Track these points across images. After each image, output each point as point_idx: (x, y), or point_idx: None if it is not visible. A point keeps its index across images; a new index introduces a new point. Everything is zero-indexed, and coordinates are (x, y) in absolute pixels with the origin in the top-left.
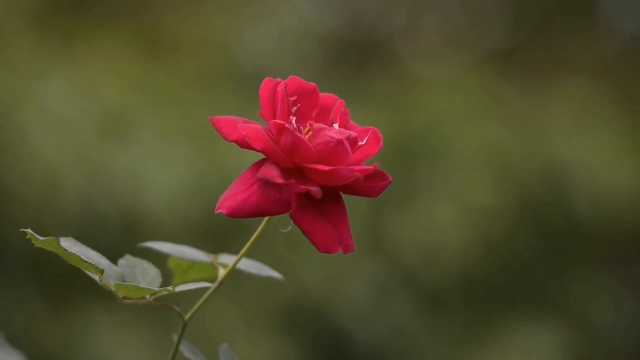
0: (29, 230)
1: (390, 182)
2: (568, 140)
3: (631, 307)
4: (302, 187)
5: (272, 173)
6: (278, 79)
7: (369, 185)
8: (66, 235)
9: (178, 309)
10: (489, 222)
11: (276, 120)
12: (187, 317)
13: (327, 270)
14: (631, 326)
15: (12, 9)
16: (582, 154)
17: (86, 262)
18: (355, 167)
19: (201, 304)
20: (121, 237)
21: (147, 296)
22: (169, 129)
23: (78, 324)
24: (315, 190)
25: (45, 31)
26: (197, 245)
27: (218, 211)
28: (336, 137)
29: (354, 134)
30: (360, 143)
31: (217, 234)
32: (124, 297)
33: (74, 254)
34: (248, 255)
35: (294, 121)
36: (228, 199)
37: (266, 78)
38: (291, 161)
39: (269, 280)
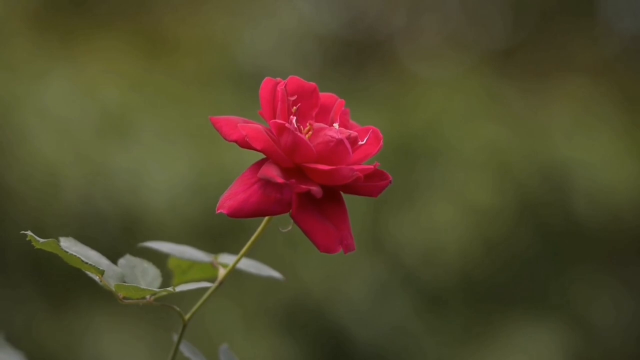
0: (29, 233)
1: (390, 182)
2: (568, 140)
3: (631, 307)
4: (303, 186)
5: (272, 173)
6: (278, 79)
7: (370, 184)
8: (66, 235)
9: (178, 309)
10: (489, 222)
11: (276, 120)
12: (187, 317)
13: (327, 270)
14: (631, 326)
15: (12, 9)
16: (582, 154)
17: (86, 263)
18: (356, 167)
19: (201, 303)
20: (121, 237)
21: (148, 296)
22: (169, 129)
23: (78, 324)
24: (315, 189)
25: (45, 31)
26: (197, 245)
27: (219, 211)
28: (336, 137)
29: (354, 133)
30: (360, 142)
31: (217, 234)
32: (124, 298)
33: (74, 255)
34: (248, 255)
35: (294, 121)
36: (228, 199)
37: (266, 78)
38: (291, 161)
39: (269, 280)
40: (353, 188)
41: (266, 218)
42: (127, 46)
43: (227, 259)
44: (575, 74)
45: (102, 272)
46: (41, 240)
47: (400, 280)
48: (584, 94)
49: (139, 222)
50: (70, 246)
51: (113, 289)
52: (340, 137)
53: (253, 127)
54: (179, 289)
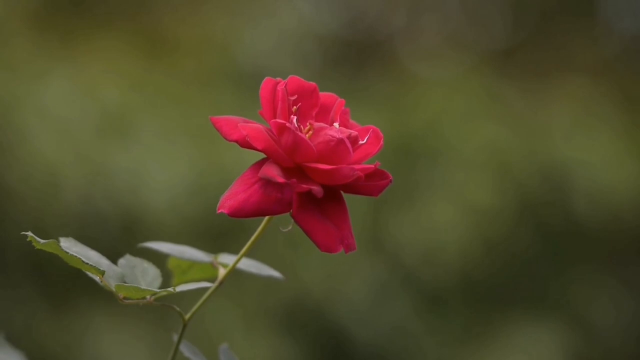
0: (29, 233)
1: (390, 181)
2: (568, 140)
3: (631, 307)
4: (304, 186)
5: (273, 172)
6: (278, 79)
7: (370, 184)
8: (66, 235)
9: (178, 309)
10: (489, 222)
11: (277, 120)
12: (187, 316)
13: (327, 270)
14: (631, 326)
15: (12, 9)
16: (582, 154)
17: (87, 263)
18: (356, 166)
19: (201, 303)
20: (121, 236)
21: (148, 296)
22: (169, 129)
23: (78, 324)
24: (316, 189)
25: (45, 31)
26: (197, 245)
27: (219, 211)
28: (337, 136)
29: (354, 133)
30: (360, 142)
31: (217, 234)
32: (125, 298)
33: (75, 255)
34: (248, 254)
35: (294, 120)
36: (229, 199)
37: (266, 78)
38: (292, 160)
39: (269, 280)
40: (354, 187)
41: (266, 218)
42: (127, 46)
43: (227, 259)
44: (575, 74)
45: (102, 273)
46: (42, 241)
47: (400, 280)
48: (584, 94)
49: (139, 222)
50: (70, 246)
51: (113, 289)
52: (340, 136)
53: (253, 127)
54: (179, 289)
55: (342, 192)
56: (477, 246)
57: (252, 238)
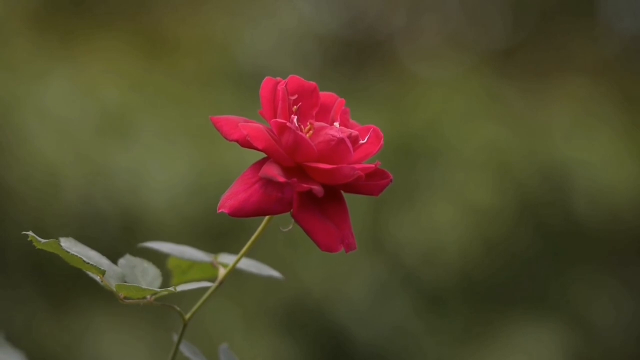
0: (30, 233)
1: (391, 181)
2: (568, 140)
3: (631, 307)
4: (304, 185)
5: (273, 172)
6: (278, 78)
7: (370, 183)
8: (66, 235)
9: (178, 309)
10: (489, 222)
11: (277, 119)
12: (187, 316)
13: (327, 270)
14: (631, 326)
15: (12, 9)
16: (582, 154)
17: (88, 263)
18: (357, 166)
19: (201, 303)
20: (121, 236)
21: (148, 296)
22: (169, 129)
23: (78, 324)
24: (317, 188)
25: (45, 31)
26: (197, 245)
27: (220, 210)
28: (338, 136)
29: (355, 132)
30: (361, 141)
31: (217, 234)
32: (125, 297)
33: (76, 255)
34: (248, 254)
35: (295, 120)
36: (229, 198)
37: (266, 77)
38: (293, 160)
39: (269, 279)
40: (354, 187)
41: (267, 217)
42: (127, 46)
43: (227, 259)
44: (575, 74)
45: (103, 272)
46: (42, 240)
47: (400, 280)
48: (584, 94)
49: (139, 222)
50: (71, 246)
51: (114, 289)
52: (341, 136)
53: (254, 127)
54: (179, 288)
55: (342, 191)
56: (477, 246)
57: (253, 238)
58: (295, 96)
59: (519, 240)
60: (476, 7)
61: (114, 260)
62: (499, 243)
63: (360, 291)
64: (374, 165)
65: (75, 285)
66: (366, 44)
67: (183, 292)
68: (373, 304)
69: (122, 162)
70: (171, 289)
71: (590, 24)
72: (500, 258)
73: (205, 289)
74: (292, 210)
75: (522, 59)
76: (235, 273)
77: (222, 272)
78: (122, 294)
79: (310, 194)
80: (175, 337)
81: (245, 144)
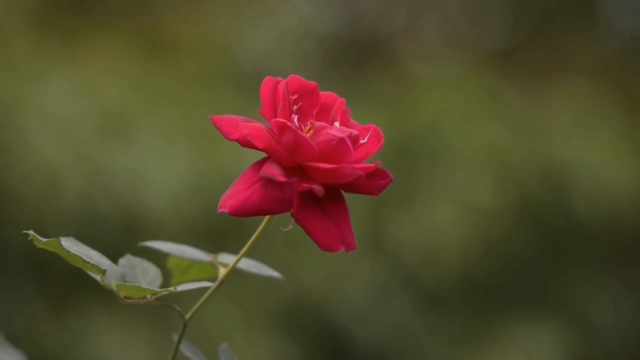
0: (31, 232)
1: (391, 180)
2: (568, 140)
3: (631, 307)
4: (305, 185)
5: (274, 171)
6: (279, 78)
7: (371, 183)
8: (66, 235)
9: (179, 309)
10: (489, 222)
11: (278, 119)
12: (187, 316)
13: (327, 270)
14: (631, 326)
15: (12, 9)
16: (582, 154)
17: (88, 262)
18: (357, 165)
19: (202, 303)
20: (121, 236)
21: (148, 296)
22: (169, 129)
23: (78, 324)
24: (317, 188)
25: (45, 31)
26: (197, 245)
27: (220, 210)
28: (338, 135)
29: (355, 132)
30: (361, 141)
31: (217, 234)
32: (126, 297)
33: (76, 254)
34: (248, 254)
35: (295, 119)
36: (230, 198)
37: (267, 77)
38: (293, 159)
39: (269, 280)
40: (354, 187)
41: (267, 217)
42: (127, 46)
43: (227, 259)
44: (575, 74)
45: (103, 272)
46: (43, 239)
47: (400, 280)
48: (584, 94)
49: (139, 222)
50: (71, 246)
51: (114, 289)
52: (341, 135)
53: (254, 126)
54: (180, 288)
55: (342, 191)
56: (477, 246)
57: (253, 238)
58: (296, 96)
59: (519, 240)
60: (476, 7)
61: (114, 260)
62: (499, 243)
63: (360, 291)
64: (374, 165)
65: (75, 285)
66: (366, 44)
67: (183, 292)
68: (373, 304)
69: (122, 162)
70: (171, 288)
71: (590, 24)
72: (500, 258)
73: (205, 288)
74: (292, 209)
75: (522, 59)
76: (235, 273)
77: (222, 272)
78: (122, 294)
79: (311, 194)
80: (176, 337)
81: (246, 143)
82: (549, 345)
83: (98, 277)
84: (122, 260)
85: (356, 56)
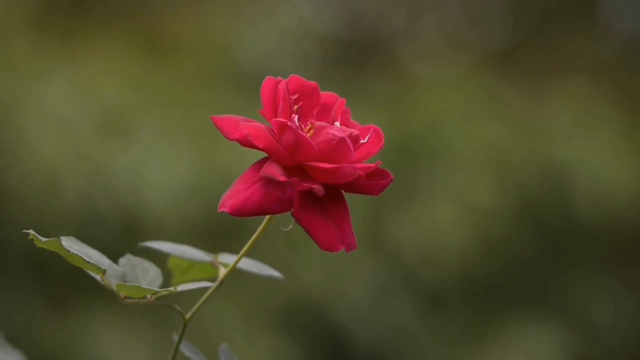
0: (31, 232)
1: (392, 180)
2: (568, 140)
3: (631, 307)
4: (305, 185)
5: (274, 171)
6: (279, 78)
7: (371, 183)
8: (66, 235)
9: (179, 309)
10: (489, 222)
11: (278, 119)
12: (187, 316)
13: (327, 270)
14: (631, 326)
15: (12, 9)
16: (582, 154)
17: (88, 262)
18: (358, 165)
19: (202, 303)
20: (121, 236)
21: (149, 296)
22: (169, 129)
23: (78, 324)
24: (317, 188)
25: (45, 31)
26: (197, 245)
27: (220, 210)
28: (338, 135)
29: (355, 132)
30: (362, 141)
31: (217, 234)
32: (126, 297)
33: (76, 254)
34: (248, 254)
35: (296, 119)
36: (230, 198)
37: (267, 77)
38: (293, 159)
39: (269, 279)
40: (355, 186)
41: (267, 217)
42: (127, 46)
43: (227, 259)
44: (575, 74)
45: (103, 271)
46: (43, 239)
47: (400, 280)
48: (584, 94)
49: (139, 222)
50: (71, 245)
51: (114, 288)
52: (342, 135)
53: (255, 126)
54: (180, 288)
55: (343, 191)
56: (477, 246)
57: (253, 237)
58: (296, 96)
59: (519, 240)
60: (476, 7)
61: (114, 259)
62: (499, 243)
63: (360, 291)
64: (374, 165)
65: (75, 285)
66: (366, 44)
67: (183, 292)
68: (373, 304)
69: (122, 162)
70: (172, 288)
71: (590, 24)
72: (500, 258)
73: (206, 288)
74: (292, 209)
75: (522, 59)
76: (235, 273)
77: (222, 271)
78: (122, 294)
79: (311, 194)
80: (176, 337)
81: (246, 143)
82: (549, 345)
83: (98, 277)
84: (122, 260)
85: (356, 56)
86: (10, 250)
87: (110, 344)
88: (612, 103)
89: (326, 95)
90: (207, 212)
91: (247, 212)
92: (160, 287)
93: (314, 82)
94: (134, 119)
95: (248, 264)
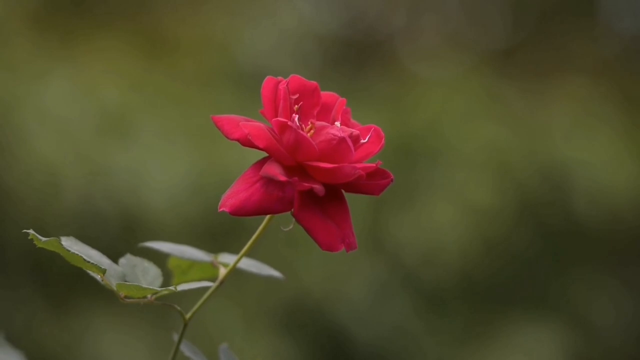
0: (31, 231)
1: (392, 180)
2: (568, 140)
3: (631, 307)
4: (305, 184)
5: (275, 171)
6: (279, 78)
7: (371, 183)
8: (66, 235)
9: (179, 308)
10: (489, 222)
11: (279, 118)
12: (188, 316)
13: (327, 270)
14: (631, 326)
15: (12, 9)
16: (582, 154)
17: (88, 262)
18: (358, 165)
19: (202, 303)
20: (121, 236)
21: (149, 295)
22: (169, 129)
23: (78, 325)
24: (318, 187)
25: (45, 31)
26: (197, 245)
27: (221, 209)
28: (339, 135)
29: (356, 131)
30: (362, 141)
31: (217, 234)
32: (126, 297)
33: (76, 254)
34: (248, 254)
35: (296, 119)
36: (230, 197)
37: (267, 77)
38: (294, 159)
39: (270, 279)
40: (355, 186)
41: (267, 217)
42: (127, 46)
43: (228, 259)
44: (575, 74)
45: (103, 271)
46: (43, 239)
47: (400, 280)
48: (584, 94)
49: (139, 222)
50: (71, 245)
51: (114, 288)
52: (342, 135)
53: (255, 125)
54: (180, 288)
55: (343, 191)
56: (477, 246)
57: (253, 237)
58: (297, 95)
59: (519, 240)
60: (476, 7)
61: (114, 260)
62: (499, 243)
63: (360, 291)
64: (375, 165)
65: (75, 285)
66: (366, 44)
67: (183, 292)
68: (373, 304)
69: (122, 162)
70: (172, 288)
71: (590, 24)
72: (500, 258)
73: (206, 288)
74: (293, 209)
75: (522, 59)
76: (235, 273)
77: (222, 271)
78: (122, 293)
79: (311, 193)
80: (176, 337)
81: (247, 142)
82: (549, 345)
83: (98, 277)
84: (122, 260)
85: (356, 56)
86: (10, 250)
87: (110, 344)
88: (612, 103)
89: (326, 95)
90: (207, 212)
91: (247, 212)
92: (160, 287)
93: (314, 82)
94: (134, 119)
95: (248, 264)
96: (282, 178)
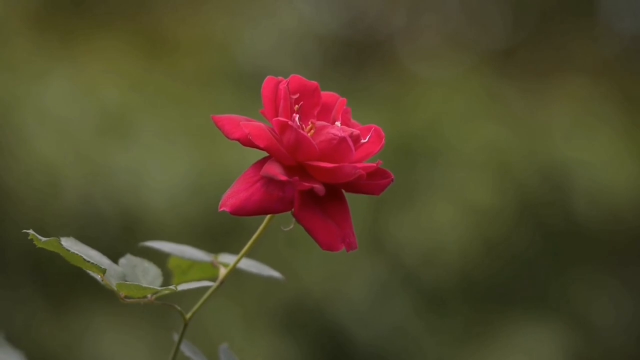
0: (31, 231)
1: (392, 180)
2: (568, 140)
3: (631, 307)
4: (306, 184)
5: (275, 170)
6: (280, 78)
7: (372, 182)
8: (66, 235)
9: (179, 308)
10: (489, 222)
11: (279, 118)
12: (188, 316)
13: (327, 270)
14: (631, 326)
15: (12, 9)
16: (582, 154)
17: (88, 262)
18: (358, 165)
19: (202, 303)
20: (121, 236)
21: (149, 295)
22: (169, 129)
23: (78, 325)
24: (318, 187)
25: (45, 31)
26: (197, 245)
27: (221, 209)
28: (339, 135)
29: (356, 131)
30: (362, 141)
31: (218, 234)
32: (126, 297)
33: (76, 254)
34: (248, 254)
35: (297, 119)
36: (231, 197)
37: (268, 77)
38: (294, 159)
39: (270, 280)
40: (355, 186)
41: (268, 216)
42: (127, 46)
43: (228, 259)
44: (575, 74)
45: (104, 271)
46: (43, 239)
47: (400, 280)
48: (584, 94)
49: (139, 222)
50: (71, 245)
51: (115, 288)
52: (342, 135)
53: (256, 125)
54: (180, 287)
55: (343, 190)
56: (477, 246)
57: (254, 237)
58: (297, 95)
59: (519, 240)
60: (476, 7)
61: (114, 260)
62: (499, 243)
63: (360, 291)
64: (375, 165)
65: (75, 285)
66: (366, 44)
67: (183, 292)
68: (373, 304)
69: (122, 162)
70: (172, 287)
71: (590, 24)
72: (500, 258)
73: (206, 288)
74: (293, 209)
75: (522, 59)
76: (235, 273)
77: (222, 271)
78: (122, 293)
79: (312, 193)
80: (176, 337)
81: (247, 142)
82: (549, 345)
83: (98, 277)
84: (122, 260)
85: (356, 56)
86: (10, 250)
87: (110, 344)
88: (612, 103)
89: (327, 95)
90: (207, 212)
91: (247, 212)
92: (160, 287)
93: (314, 82)
94: (134, 119)
95: (248, 264)
96: (283, 178)
